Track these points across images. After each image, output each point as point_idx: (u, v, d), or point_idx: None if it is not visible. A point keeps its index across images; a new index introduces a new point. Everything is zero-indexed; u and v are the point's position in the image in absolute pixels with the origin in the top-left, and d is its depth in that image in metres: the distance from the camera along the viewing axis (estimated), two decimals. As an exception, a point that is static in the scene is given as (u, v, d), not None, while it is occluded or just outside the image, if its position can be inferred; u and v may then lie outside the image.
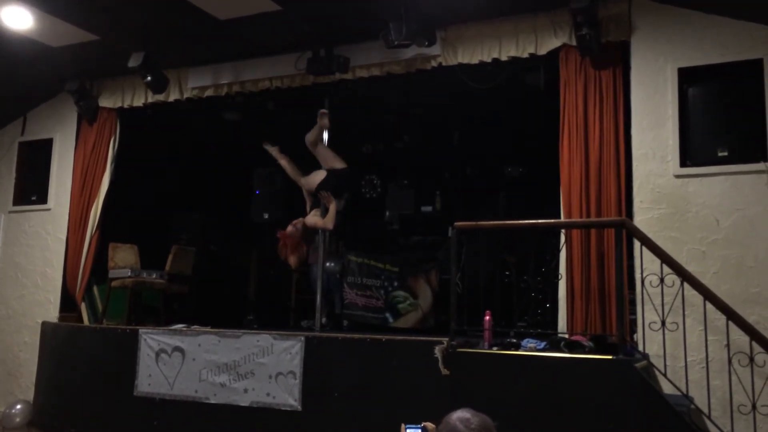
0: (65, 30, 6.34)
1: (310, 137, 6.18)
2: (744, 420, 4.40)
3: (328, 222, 6.06)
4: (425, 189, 8.83)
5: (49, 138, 7.99)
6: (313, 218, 6.20)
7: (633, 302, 4.96)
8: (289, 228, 6.14)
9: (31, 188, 8.08)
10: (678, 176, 5.20)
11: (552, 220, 5.37)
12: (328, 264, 7.15)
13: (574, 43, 5.49)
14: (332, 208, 6.06)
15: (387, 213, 8.92)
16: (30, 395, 7.06)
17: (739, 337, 4.44)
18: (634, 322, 4.95)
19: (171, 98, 7.21)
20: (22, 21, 6.06)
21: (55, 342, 6.80)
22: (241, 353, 5.57)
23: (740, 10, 5.09)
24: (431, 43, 5.82)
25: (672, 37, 5.33)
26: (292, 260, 6.21)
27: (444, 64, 6.06)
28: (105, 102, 7.58)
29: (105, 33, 6.45)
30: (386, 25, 5.55)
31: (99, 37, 6.51)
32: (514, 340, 4.87)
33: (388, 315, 7.09)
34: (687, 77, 5.30)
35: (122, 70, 6.75)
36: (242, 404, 5.50)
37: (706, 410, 4.45)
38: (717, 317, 4.48)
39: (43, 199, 7.92)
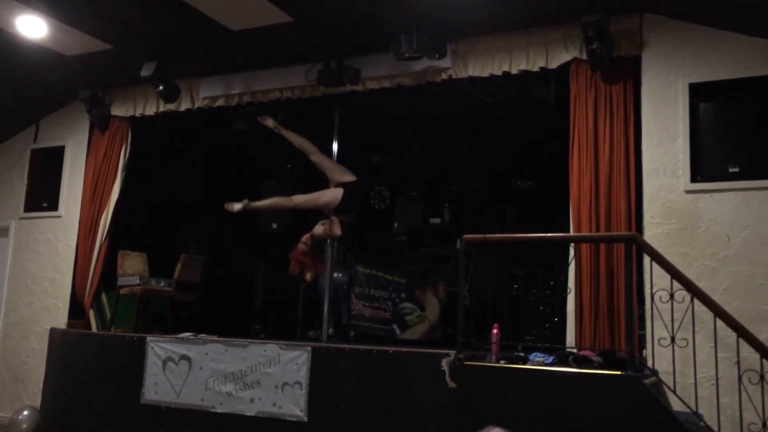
0: (79, 39, 6.41)
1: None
2: (754, 438, 4.35)
3: (336, 228, 5.98)
4: (434, 201, 8.84)
5: (61, 145, 8.05)
6: (320, 228, 6.19)
7: (642, 318, 4.93)
8: (300, 246, 6.08)
9: (43, 195, 8.13)
10: (689, 192, 5.18)
11: (561, 234, 5.35)
12: (335, 275, 7.15)
13: (584, 57, 5.49)
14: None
15: (395, 225, 8.93)
16: (37, 401, 7.06)
17: (750, 355, 4.41)
18: (643, 338, 4.92)
19: (182, 108, 7.26)
20: (36, 30, 6.12)
21: (63, 349, 6.82)
22: (248, 363, 5.57)
23: (752, 26, 5.09)
24: (442, 56, 5.84)
25: (683, 52, 5.33)
26: (309, 276, 6.17)
27: (454, 76, 6.08)
28: (117, 110, 7.63)
29: (118, 42, 6.51)
30: (397, 38, 5.58)
31: (112, 47, 6.57)
32: (522, 354, 4.84)
33: (395, 326, 7.09)
34: (698, 93, 5.29)
35: (134, 79, 6.81)
36: (248, 414, 5.49)
37: (715, 428, 4.41)
38: (727, 334, 4.44)
39: (54, 206, 7.97)
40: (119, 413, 6.11)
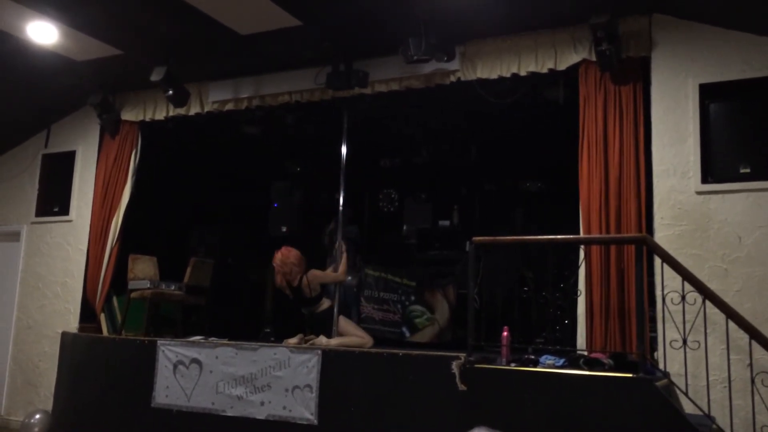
0: (89, 44, 6.45)
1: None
2: (767, 441, 4.32)
3: (341, 275, 6.19)
4: (443, 203, 8.81)
5: (71, 150, 8.10)
6: (328, 275, 6.29)
7: (653, 320, 4.90)
8: (286, 256, 6.19)
9: (54, 200, 8.19)
10: (699, 193, 5.15)
11: (571, 236, 5.33)
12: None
13: (593, 58, 5.48)
14: (344, 259, 6.18)
15: (404, 227, 8.91)
16: (49, 405, 7.10)
17: (762, 357, 4.38)
18: (654, 340, 4.89)
19: (192, 112, 7.29)
20: (47, 35, 6.17)
21: (75, 352, 6.85)
22: (258, 366, 5.58)
23: (762, 26, 5.05)
24: (450, 58, 5.84)
25: (693, 52, 5.30)
26: (278, 279, 6.32)
27: (463, 79, 6.07)
28: (127, 115, 7.67)
29: (128, 47, 6.54)
30: (405, 40, 5.58)
31: (122, 52, 6.61)
32: (533, 357, 4.83)
33: (404, 329, 7.08)
34: (708, 93, 5.26)
35: (144, 83, 6.84)
36: (258, 417, 5.50)
37: (728, 431, 4.37)
38: (739, 336, 4.42)
39: (65, 210, 8.02)
40: (130, 417, 6.13)
